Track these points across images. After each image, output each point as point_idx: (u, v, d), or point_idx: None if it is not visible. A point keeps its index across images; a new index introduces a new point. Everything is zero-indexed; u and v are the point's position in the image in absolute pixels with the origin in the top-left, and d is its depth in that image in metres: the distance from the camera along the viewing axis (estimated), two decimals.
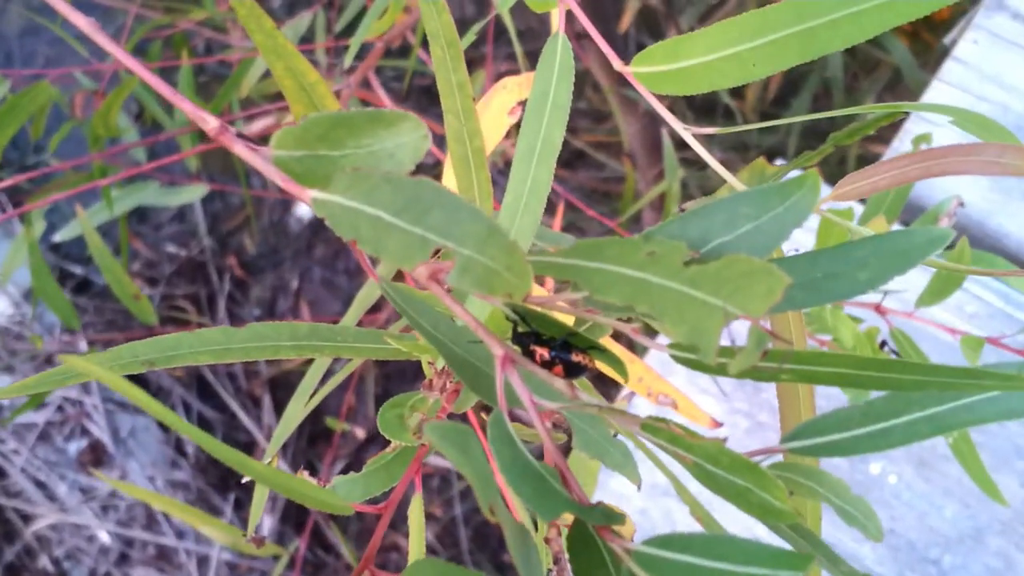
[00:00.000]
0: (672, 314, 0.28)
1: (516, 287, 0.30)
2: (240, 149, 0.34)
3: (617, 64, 0.48)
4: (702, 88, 0.45)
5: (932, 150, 0.43)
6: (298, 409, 0.51)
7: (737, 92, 1.83)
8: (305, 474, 0.39)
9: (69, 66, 1.35)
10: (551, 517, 0.31)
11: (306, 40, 1.48)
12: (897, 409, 0.36)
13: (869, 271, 0.30)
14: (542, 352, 0.36)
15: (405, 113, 0.33)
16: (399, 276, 0.54)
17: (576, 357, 0.36)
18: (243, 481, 0.49)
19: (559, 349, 0.36)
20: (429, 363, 0.42)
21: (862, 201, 1.03)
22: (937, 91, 1.12)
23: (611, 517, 0.32)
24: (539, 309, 0.34)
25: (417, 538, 0.39)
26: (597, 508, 0.32)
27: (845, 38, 0.43)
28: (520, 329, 0.36)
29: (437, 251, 0.31)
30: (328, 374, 0.54)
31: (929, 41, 1.76)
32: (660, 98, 0.49)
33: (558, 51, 0.47)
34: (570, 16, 0.52)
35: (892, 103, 0.44)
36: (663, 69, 0.46)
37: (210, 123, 0.34)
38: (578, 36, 1.50)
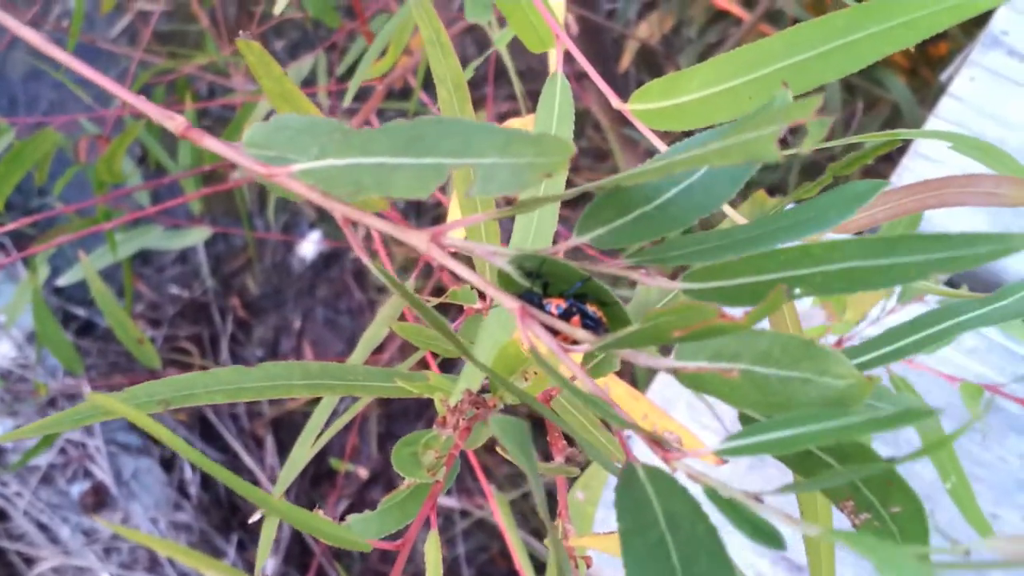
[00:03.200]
0: (724, 156, 0.28)
1: (553, 163, 0.29)
2: (211, 143, 0.34)
3: (616, 102, 0.48)
4: (699, 123, 0.46)
5: (929, 182, 0.44)
6: (305, 450, 0.52)
7: None
8: (321, 512, 0.39)
9: (73, 110, 1.36)
10: (619, 426, 0.31)
11: (308, 83, 1.50)
12: None
13: (788, 233, 0.30)
14: (558, 303, 0.35)
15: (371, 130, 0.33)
16: (402, 318, 0.55)
17: (591, 307, 0.35)
18: (250, 521, 0.49)
19: (575, 300, 0.35)
20: (442, 400, 0.42)
21: None
22: (934, 128, 1.13)
23: (661, 439, 0.31)
24: (556, 258, 0.34)
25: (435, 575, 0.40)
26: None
27: (837, 69, 0.44)
28: (530, 286, 0.35)
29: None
30: (332, 415, 0.55)
31: (927, 78, 1.77)
32: (661, 137, 0.50)
33: (557, 91, 0.48)
34: (569, 56, 0.53)
35: (891, 131, 0.45)
36: (660, 106, 0.47)
37: (177, 121, 0.35)
38: (578, 76, 1.52)
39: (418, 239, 0.32)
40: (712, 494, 0.29)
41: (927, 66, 1.78)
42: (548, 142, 0.29)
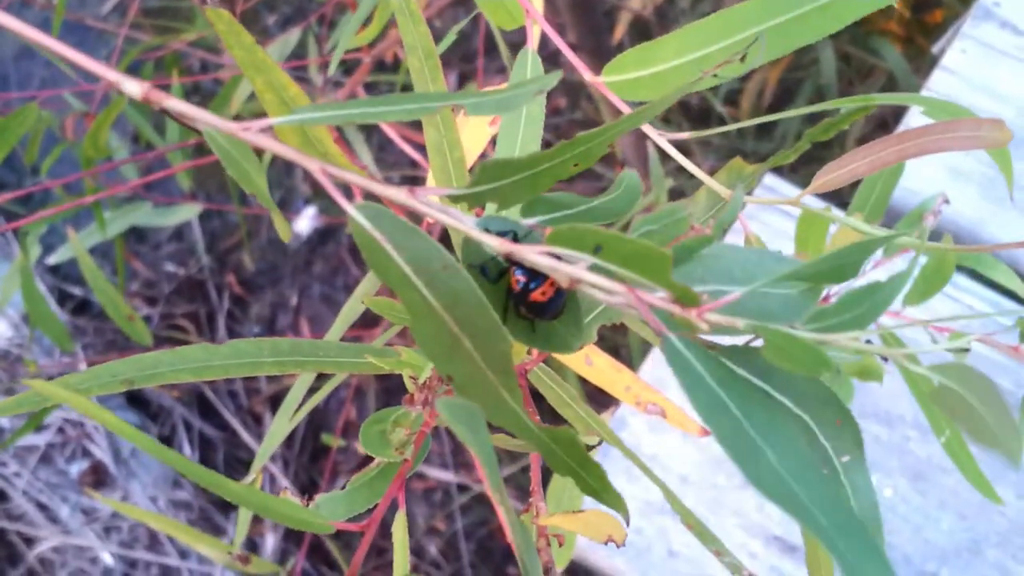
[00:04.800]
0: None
1: (541, 85, 0.32)
2: (173, 103, 0.33)
3: (588, 75, 0.47)
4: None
5: (908, 131, 0.43)
6: (283, 424, 0.51)
7: (732, 100, 1.83)
8: (287, 493, 0.39)
9: (64, 87, 1.35)
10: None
11: (298, 55, 1.48)
12: None
13: None
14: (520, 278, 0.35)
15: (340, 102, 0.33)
16: (383, 292, 0.54)
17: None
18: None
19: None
20: (411, 377, 0.42)
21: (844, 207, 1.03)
22: None
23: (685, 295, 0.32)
24: (520, 224, 0.34)
25: (401, 557, 0.39)
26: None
27: (815, 31, 0.43)
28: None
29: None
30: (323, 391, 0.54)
31: (923, 46, 1.76)
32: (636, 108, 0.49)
33: (528, 65, 0.47)
34: (560, 28, 0.52)
35: (865, 96, 0.44)
36: (634, 76, 0.46)
37: (136, 86, 0.33)
38: (572, 47, 1.50)
39: (396, 193, 0.32)
40: (760, 328, 0.30)
41: (922, 34, 1.76)
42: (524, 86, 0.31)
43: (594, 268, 0.30)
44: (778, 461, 0.28)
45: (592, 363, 0.55)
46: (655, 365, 1.07)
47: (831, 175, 0.46)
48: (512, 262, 0.34)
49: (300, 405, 0.53)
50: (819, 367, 0.29)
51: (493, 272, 0.35)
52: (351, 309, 0.51)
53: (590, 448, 0.47)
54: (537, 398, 0.50)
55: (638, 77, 0.46)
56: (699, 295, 0.30)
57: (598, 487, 0.36)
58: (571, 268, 0.30)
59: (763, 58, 0.45)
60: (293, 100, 0.48)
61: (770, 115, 0.48)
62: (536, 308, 0.35)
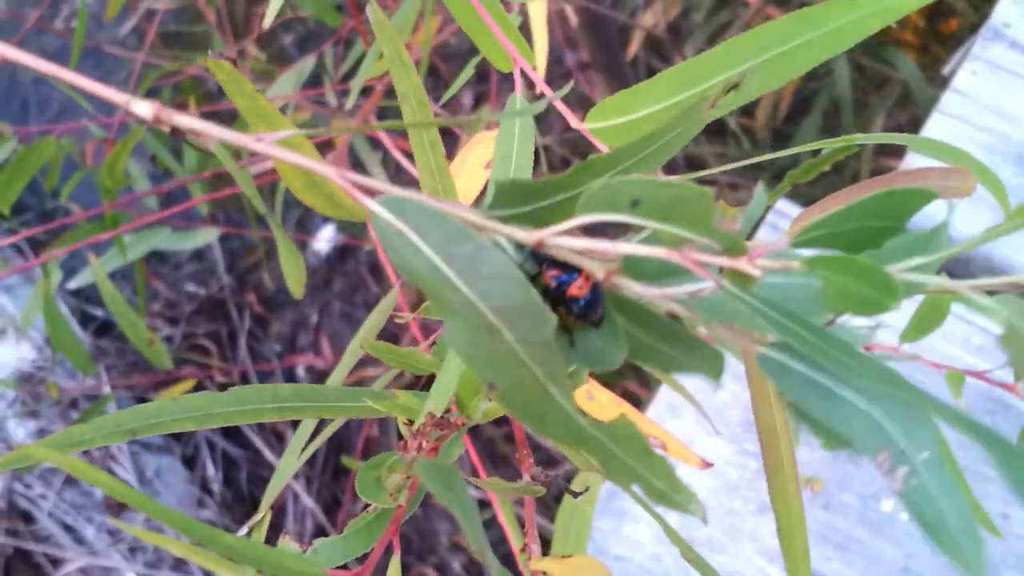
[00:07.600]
0: None
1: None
2: (182, 120, 0.33)
3: (574, 122, 0.48)
4: None
5: (880, 179, 0.44)
6: (291, 463, 0.52)
7: (747, 111, 1.83)
8: (287, 539, 0.39)
9: (84, 112, 1.37)
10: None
11: (315, 76, 1.50)
12: None
13: None
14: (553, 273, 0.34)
15: None
16: (402, 307, 0.54)
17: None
18: (246, 527, 0.49)
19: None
20: (405, 423, 0.42)
21: None
22: (937, 123, 1.11)
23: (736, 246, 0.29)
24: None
25: None
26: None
27: (779, 76, 0.44)
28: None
29: None
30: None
31: (938, 54, 1.76)
32: None
33: (516, 109, 0.48)
34: (573, 44, 0.53)
35: (848, 136, 0.44)
36: (616, 123, 0.47)
37: (146, 107, 0.33)
38: (582, 66, 1.51)
39: (416, 197, 0.32)
40: (818, 260, 0.29)
41: (937, 43, 1.76)
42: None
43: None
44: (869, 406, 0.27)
45: (593, 398, 0.55)
46: (670, 392, 1.07)
47: (809, 220, 0.46)
48: (541, 259, 0.32)
49: (311, 439, 0.53)
50: (887, 296, 0.27)
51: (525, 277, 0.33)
52: (352, 353, 0.52)
53: (577, 495, 0.48)
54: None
55: (619, 124, 0.47)
56: (745, 243, 0.29)
57: (667, 487, 0.34)
58: (611, 246, 0.28)
59: (755, 92, 0.46)
60: (297, 146, 0.49)
61: (767, 155, 0.49)
62: (578, 307, 0.33)
